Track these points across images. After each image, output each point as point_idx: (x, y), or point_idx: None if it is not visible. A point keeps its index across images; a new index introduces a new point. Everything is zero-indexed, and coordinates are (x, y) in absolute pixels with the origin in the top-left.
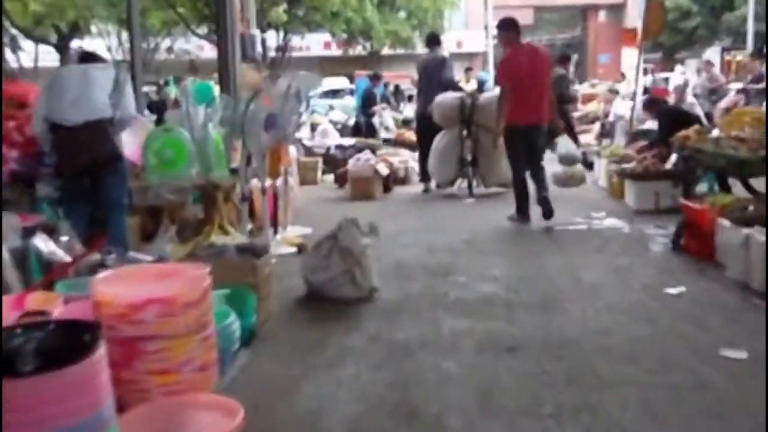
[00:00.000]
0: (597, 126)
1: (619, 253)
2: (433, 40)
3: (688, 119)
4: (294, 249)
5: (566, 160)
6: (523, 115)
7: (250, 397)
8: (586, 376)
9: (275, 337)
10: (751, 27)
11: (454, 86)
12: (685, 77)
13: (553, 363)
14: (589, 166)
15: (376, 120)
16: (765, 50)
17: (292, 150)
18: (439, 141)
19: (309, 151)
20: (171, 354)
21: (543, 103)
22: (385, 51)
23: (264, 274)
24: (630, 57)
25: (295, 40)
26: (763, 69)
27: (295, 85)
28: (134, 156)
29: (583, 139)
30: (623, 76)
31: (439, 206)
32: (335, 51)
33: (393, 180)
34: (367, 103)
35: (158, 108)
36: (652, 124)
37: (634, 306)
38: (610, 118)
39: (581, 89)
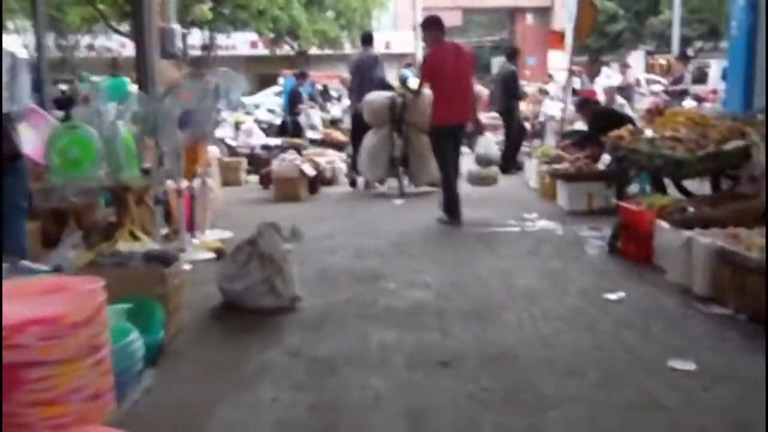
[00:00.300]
0: (527, 126)
1: (553, 257)
2: (367, 39)
3: (620, 120)
4: (212, 254)
5: (484, 160)
6: (451, 115)
7: (154, 425)
8: (527, 393)
9: (185, 355)
10: (676, 31)
11: (386, 85)
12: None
13: (490, 379)
14: (519, 167)
15: (302, 119)
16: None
17: (213, 149)
18: (368, 140)
19: (232, 151)
20: (57, 382)
21: (468, 102)
22: (313, 51)
23: (174, 284)
24: (557, 59)
25: (221, 39)
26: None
27: (221, 84)
28: (36, 155)
29: None
30: (551, 77)
31: (368, 207)
32: (262, 50)
33: (320, 181)
34: (293, 102)
35: (65, 104)
36: (582, 125)
37: (573, 313)
38: (540, 118)
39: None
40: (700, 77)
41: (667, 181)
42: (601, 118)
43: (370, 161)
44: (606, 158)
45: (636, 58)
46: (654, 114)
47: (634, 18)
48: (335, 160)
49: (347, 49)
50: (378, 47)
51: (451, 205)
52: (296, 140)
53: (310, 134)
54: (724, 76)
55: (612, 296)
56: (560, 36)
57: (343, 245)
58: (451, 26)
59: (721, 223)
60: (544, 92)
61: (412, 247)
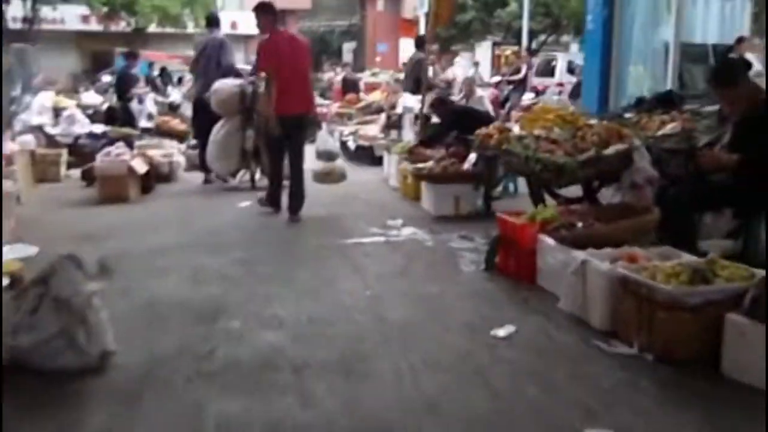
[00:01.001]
0: (382, 117)
1: (426, 278)
2: (212, 21)
3: (480, 120)
4: (5, 280)
5: (324, 156)
6: (289, 105)
7: None
8: None
9: None
10: (525, 23)
11: (234, 72)
12: (463, 68)
13: None
14: (377, 161)
15: (134, 105)
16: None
17: (26, 140)
18: (218, 131)
19: (51, 141)
20: None
21: (307, 92)
22: (153, 29)
23: None
24: (409, 47)
25: (47, 12)
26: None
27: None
28: None
29: (370, 131)
30: (405, 65)
31: (211, 209)
32: (96, 26)
33: (155, 177)
34: (123, 86)
35: None
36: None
37: (460, 359)
38: (398, 110)
39: (364, 78)
40: (547, 70)
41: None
42: (458, 119)
43: (220, 154)
44: (473, 157)
45: (484, 49)
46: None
47: (483, 8)
48: (173, 153)
49: (190, 28)
50: (223, 28)
51: (275, 197)
52: (125, 130)
53: (143, 123)
54: (571, 70)
55: (501, 332)
56: (411, 23)
57: (177, 265)
58: (300, 9)
59: (614, 242)
60: (400, 82)
61: (262, 266)
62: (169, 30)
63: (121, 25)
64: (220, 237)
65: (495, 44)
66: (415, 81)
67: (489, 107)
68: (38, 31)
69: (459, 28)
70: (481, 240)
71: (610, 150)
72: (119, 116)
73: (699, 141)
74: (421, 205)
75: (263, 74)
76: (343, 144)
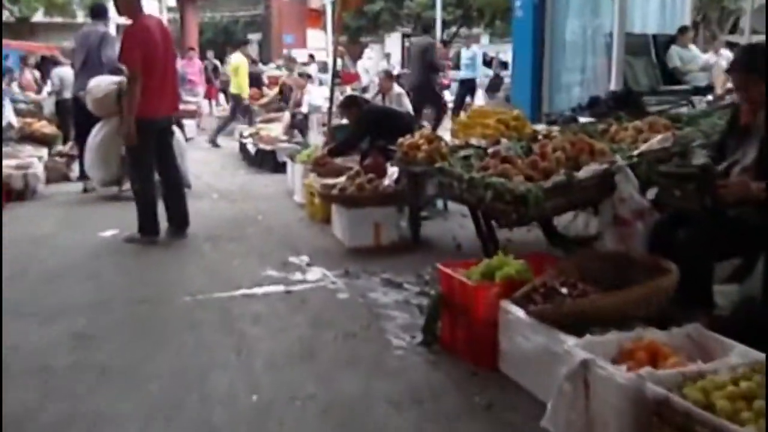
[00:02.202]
0: (286, 116)
1: (340, 364)
2: (97, 13)
3: (400, 123)
4: None
5: None
6: (160, 106)
7: None
8: None
9: None
10: (439, 14)
11: (116, 67)
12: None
13: None
14: (281, 167)
15: None
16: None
17: None
18: (95, 135)
19: None
20: None
21: (177, 89)
22: (40, 18)
23: None
24: (315, 39)
25: None
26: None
27: None
28: None
29: (273, 131)
30: (311, 57)
31: (67, 239)
32: None
33: (6, 195)
34: None
35: None
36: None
37: None
38: (303, 108)
39: (267, 71)
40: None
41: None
42: (374, 123)
43: (98, 161)
44: (394, 172)
45: (394, 41)
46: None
47: None
48: (32, 163)
49: (80, 17)
50: (119, 20)
51: (148, 217)
52: None
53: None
54: (486, 63)
55: None
56: (318, 13)
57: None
58: None
59: (617, 318)
60: (305, 76)
61: (105, 347)
62: (57, 20)
63: (5, 15)
64: (59, 291)
65: (405, 36)
66: (427, 67)
67: (409, 107)
68: None
69: (368, 19)
70: (413, 287)
71: (585, 172)
72: None
73: (705, 159)
74: (332, 230)
75: (129, 68)
76: (243, 147)
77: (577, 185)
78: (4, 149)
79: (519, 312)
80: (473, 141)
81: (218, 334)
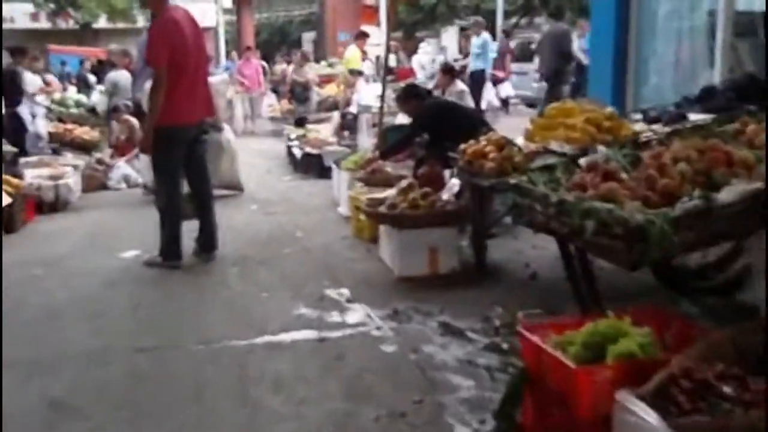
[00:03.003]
0: (335, 117)
1: None
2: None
3: (468, 120)
4: None
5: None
6: (192, 110)
7: None
8: None
9: None
10: (500, 4)
11: None
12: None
13: None
14: (327, 172)
15: (24, 111)
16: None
17: None
18: None
19: None
20: None
21: (209, 90)
22: (103, 24)
23: None
24: (371, 35)
25: None
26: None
27: None
28: None
29: (323, 133)
30: (364, 53)
31: (79, 262)
32: (45, 23)
33: (35, 207)
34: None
35: None
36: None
37: None
38: (352, 108)
39: (318, 69)
40: (526, 55)
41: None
42: (435, 119)
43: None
44: (454, 184)
45: (451, 35)
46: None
47: None
48: (66, 173)
49: (141, 22)
50: None
51: (171, 241)
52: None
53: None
54: None
55: None
56: (372, 9)
57: None
58: None
59: None
60: (356, 73)
61: (82, 424)
62: (120, 25)
63: (71, 23)
64: (51, 336)
65: (462, 29)
66: (562, 56)
67: (471, 104)
68: None
69: (423, 12)
70: (479, 336)
71: (729, 194)
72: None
73: None
74: (379, 253)
75: (154, 68)
76: (289, 150)
77: (718, 212)
78: (36, 159)
79: (651, 416)
80: (554, 146)
81: (228, 405)
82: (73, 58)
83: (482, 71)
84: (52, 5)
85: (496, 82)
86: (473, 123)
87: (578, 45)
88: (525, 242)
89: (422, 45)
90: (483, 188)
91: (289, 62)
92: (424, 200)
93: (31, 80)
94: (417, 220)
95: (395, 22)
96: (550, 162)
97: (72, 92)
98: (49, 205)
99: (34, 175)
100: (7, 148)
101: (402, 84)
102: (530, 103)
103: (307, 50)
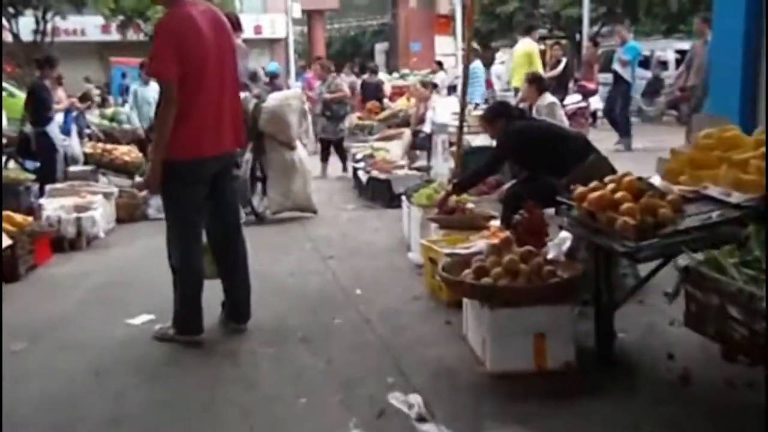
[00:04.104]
0: (406, 135)
1: None
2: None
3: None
4: None
5: None
6: (214, 139)
7: None
8: None
9: None
10: (586, 7)
11: (243, 83)
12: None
13: None
14: (397, 199)
15: (53, 130)
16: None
17: None
18: None
19: None
20: None
21: (239, 112)
22: None
23: None
24: (444, 45)
25: (66, 23)
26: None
27: None
28: None
29: (393, 152)
30: (439, 64)
31: (77, 331)
32: (116, 36)
33: (57, 244)
34: (37, 106)
35: None
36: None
37: None
38: (425, 127)
39: (391, 80)
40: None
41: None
42: (526, 145)
43: None
44: (564, 239)
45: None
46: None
47: None
48: (94, 203)
49: None
50: (246, 32)
51: (187, 308)
52: (14, 174)
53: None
54: (644, 63)
55: None
56: (447, 19)
57: None
58: (328, 9)
59: None
60: (430, 85)
61: None
62: None
63: (141, 35)
64: None
65: (540, 38)
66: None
67: (565, 121)
68: (51, 42)
69: (500, 21)
70: None
71: None
72: (33, 148)
73: None
74: (463, 330)
75: (160, 82)
76: (355, 172)
77: None
78: (66, 186)
79: None
80: (714, 191)
81: None
82: (134, 69)
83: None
84: (120, 17)
85: (586, 94)
86: (578, 149)
87: (617, 56)
88: (657, 312)
89: (499, 54)
90: (612, 252)
91: (357, 74)
92: (527, 263)
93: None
94: (518, 294)
95: (471, 29)
96: (709, 216)
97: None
98: (71, 241)
99: (56, 206)
100: (24, 175)
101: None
102: (614, 119)
103: (325, 62)
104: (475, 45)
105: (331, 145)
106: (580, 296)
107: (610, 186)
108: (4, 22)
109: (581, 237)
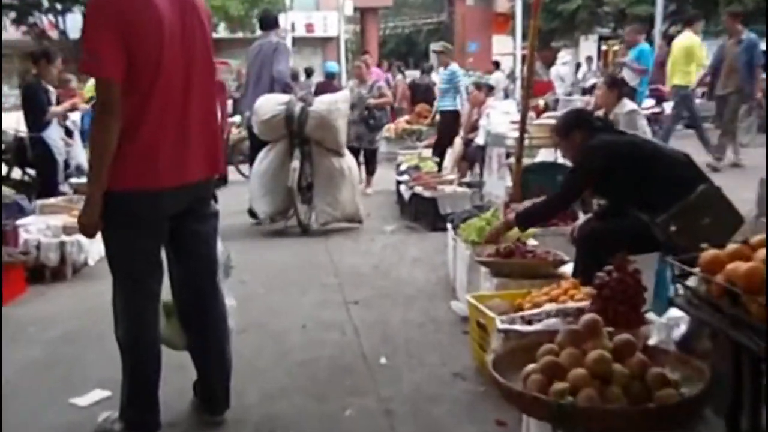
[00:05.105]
0: (457, 145)
1: None
2: (266, 23)
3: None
4: None
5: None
6: (169, 163)
7: None
8: None
9: None
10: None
11: (286, 83)
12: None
13: None
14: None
15: (52, 135)
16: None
17: None
18: (260, 161)
19: None
20: None
21: (212, 126)
22: (223, 34)
23: None
24: (501, 45)
25: None
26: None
27: None
28: None
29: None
30: (497, 65)
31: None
32: None
33: (37, 274)
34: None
35: None
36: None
37: None
38: (479, 138)
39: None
40: None
41: None
42: (614, 167)
43: (262, 190)
44: (677, 319)
45: (590, 44)
46: None
47: None
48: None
49: (258, 32)
50: (297, 31)
51: (139, 395)
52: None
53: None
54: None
55: None
56: (505, 18)
57: None
58: (381, 7)
59: None
60: (485, 87)
61: None
62: (239, 35)
63: None
64: None
65: (602, 38)
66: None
67: (648, 133)
68: None
69: (561, 20)
70: None
71: None
72: (30, 156)
73: None
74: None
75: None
76: (398, 186)
77: None
78: (58, 202)
79: None
80: None
81: None
82: None
83: (452, 113)
84: None
85: (660, 98)
86: (682, 175)
87: (629, 60)
88: None
89: (561, 54)
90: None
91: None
92: (623, 361)
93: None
94: (613, 420)
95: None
96: None
97: None
98: (53, 271)
99: (41, 226)
100: (6, 191)
101: (539, 100)
102: (689, 124)
103: (364, 60)
104: (519, 48)
105: (359, 155)
106: (703, 419)
107: (762, 253)
108: (50, 18)
109: (701, 319)
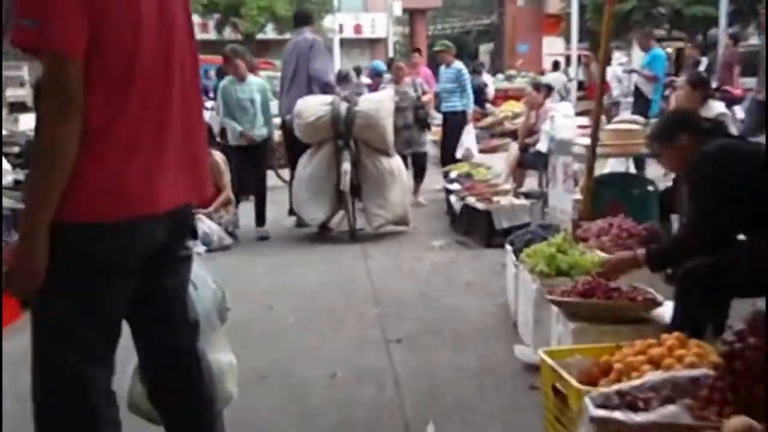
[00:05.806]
0: (513, 151)
1: None
2: (300, 20)
3: None
4: None
5: None
6: (153, 184)
7: None
8: None
9: None
10: (723, 7)
11: (325, 83)
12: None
13: None
14: (498, 237)
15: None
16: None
17: None
18: (304, 165)
19: None
20: None
21: (199, 139)
22: (270, 35)
23: None
24: (552, 46)
25: None
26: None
27: None
28: None
29: (494, 167)
30: (556, 65)
31: None
32: (213, 34)
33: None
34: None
35: None
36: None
37: None
38: (540, 144)
39: (495, 82)
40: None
41: None
42: (743, 181)
43: (308, 194)
44: None
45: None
46: None
47: None
48: None
49: (307, 32)
50: (345, 32)
51: None
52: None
53: None
54: None
55: None
56: (557, 19)
57: None
58: (430, 8)
59: None
60: (543, 89)
61: None
62: (286, 36)
63: (238, 34)
64: None
65: (658, 40)
66: None
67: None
68: None
69: (616, 20)
70: None
71: None
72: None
73: None
74: None
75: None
76: (447, 195)
77: None
78: None
79: None
80: None
81: None
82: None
83: (461, 113)
84: (216, 15)
85: (732, 101)
86: None
87: (639, 65)
88: None
89: (616, 55)
90: None
91: None
92: None
93: None
94: None
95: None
96: None
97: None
98: None
99: None
100: (8, 203)
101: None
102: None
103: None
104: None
105: (406, 160)
106: None
107: None
108: None
109: None
